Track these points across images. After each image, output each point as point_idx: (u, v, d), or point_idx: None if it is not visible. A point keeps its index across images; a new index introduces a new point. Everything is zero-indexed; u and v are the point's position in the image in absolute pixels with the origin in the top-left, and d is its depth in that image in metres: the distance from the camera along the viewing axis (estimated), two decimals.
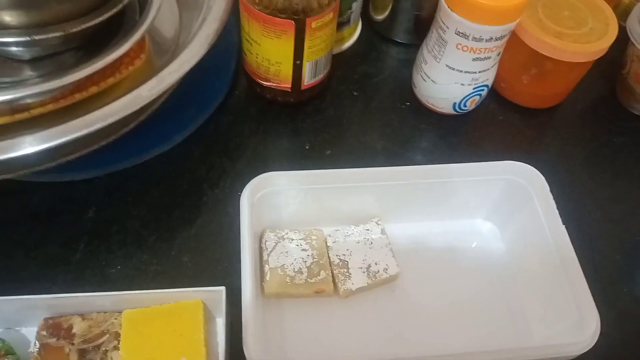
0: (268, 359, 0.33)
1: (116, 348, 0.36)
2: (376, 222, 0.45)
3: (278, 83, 0.48)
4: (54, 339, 0.36)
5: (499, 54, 0.48)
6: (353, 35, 0.58)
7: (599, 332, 0.35)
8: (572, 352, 0.35)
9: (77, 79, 0.40)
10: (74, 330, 0.36)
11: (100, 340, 0.36)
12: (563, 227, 0.39)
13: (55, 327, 0.37)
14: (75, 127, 0.37)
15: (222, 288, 0.36)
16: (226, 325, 0.36)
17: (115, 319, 0.37)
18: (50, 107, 0.41)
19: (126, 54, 0.45)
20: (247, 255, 0.36)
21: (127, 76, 0.45)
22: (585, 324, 0.35)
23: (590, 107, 0.57)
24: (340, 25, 0.55)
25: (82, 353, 0.36)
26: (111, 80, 0.44)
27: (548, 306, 0.39)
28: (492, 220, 0.46)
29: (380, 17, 0.59)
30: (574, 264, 0.38)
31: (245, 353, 0.33)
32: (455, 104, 0.51)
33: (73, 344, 0.36)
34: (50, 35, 0.39)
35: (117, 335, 0.36)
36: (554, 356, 0.35)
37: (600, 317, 0.36)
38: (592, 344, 0.35)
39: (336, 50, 0.57)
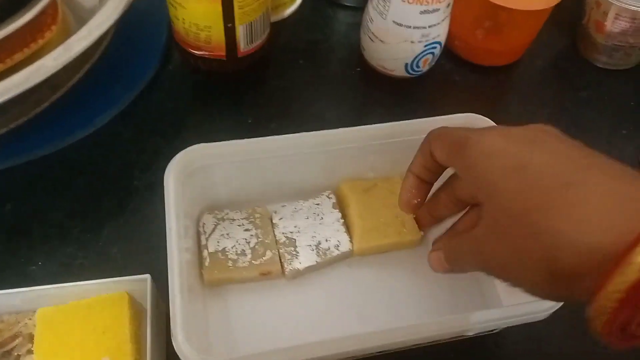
0: (205, 353, 0.29)
1: (30, 352, 0.31)
2: (327, 196, 0.41)
3: (211, 51, 0.44)
4: None
5: (448, 5, 0.44)
6: (295, 1, 0.54)
7: None
8: (541, 311, 0.31)
9: None
10: None
11: (12, 345, 0.31)
12: None
13: None
14: None
15: (147, 276, 0.32)
16: (152, 319, 0.32)
17: (30, 319, 0.32)
18: None
19: (35, 27, 0.40)
20: (173, 239, 0.32)
21: (37, 51, 0.40)
22: None
23: (550, 63, 0.54)
24: None
25: None
26: (18, 55, 0.39)
27: None
28: None
29: None
30: None
31: (175, 348, 0.29)
32: (407, 64, 0.47)
33: None
34: None
35: (31, 338, 0.32)
36: (524, 318, 0.32)
37: None
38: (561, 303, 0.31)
39: (278, 17, 0.53)
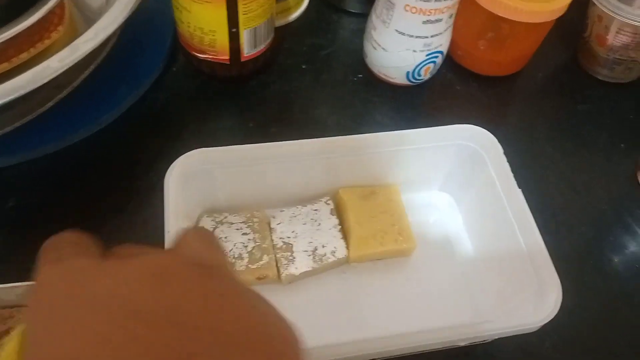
0: None
1: None
2: (325, 202, 0.41)
3: (215, 55, 0.44)
4: None
5: (451, 16, 0.45)
6: (301, 5, 0.54)
7: (560, 302, 0.32)
8: (532, 324, 0.32)
9: None
10: None
11: (4, 340, 0.32)
12: (519, 190, 0.36)
13: None
14: None
15: None
16: None
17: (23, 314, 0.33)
18: None
19: (42, 26, 0.41)
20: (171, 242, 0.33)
21: (44, 50, 0.41)
22: (545, 293, 0.32)
23: (551, 75, 0.54)
24: None
25: None
26: (24, 55, 0.39)
27: (507, 278, 0.36)
28: (448, 191, 0.43)
29: None
30: (531, 229, 0.35)
31: None
32: (408, 73, 0.48)
33: None
34: None
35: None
36: (514, 330, 0.32)
37: (565, 292, 0.33)
38: (554, 314, 0.32)
39: (282, 22, 0.53)
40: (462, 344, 0.34)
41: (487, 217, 0.39)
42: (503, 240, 0.37)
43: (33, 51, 0.40)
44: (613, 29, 0.49)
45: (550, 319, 0.32)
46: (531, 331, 0.33)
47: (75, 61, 0.35)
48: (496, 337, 0.35)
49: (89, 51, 0.36)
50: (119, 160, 0.44)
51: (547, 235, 0.36)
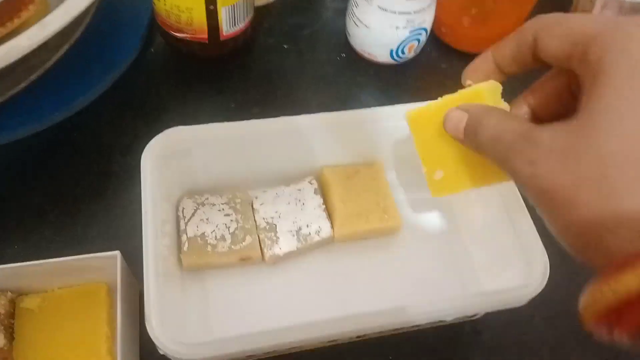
0: (180, 338, 0.29)
1: None
2: (309, 182, 0.40)
3: (192, 33, 0.43)
4: None
5: None
6: None
7: (547, 275, 0.32)
8: (520, 297, 0.31)
9: None
10: None
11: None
12: None
13: None
14: None
15: (117, 252, 0.32)
16: (122, 294, 0.31)
17: None
18: None
19: (11, 5, 0.39)
20: (149, 224, 0.32)
21: (14, 30, 0.39)
22: (533, 267, 0.32)
23: None
24: None
25: None
26: None
27: (495, 254, 0.36)
28: None
29: None
30: (519, 204, 0.35)
31: (148, 332, 0.29)
32: (392, 50, 0.47)
33: None
34: None
35: None
36: (502, 304, 0.32)
37: (552, 266, 0.33)
38: (541, 288, 0.31)
39: (263, 1, 0.52)
40: (450, 319, 0.34)
41: (474, 193, 0.38)
42: (490, 216, 0.37)
43: (3, 30, 0.38)
44: (598, 4, 0.48)
45: (537, 292, 0.32)
46: (519, 305, 0.32)
47: (46, 39, 0.34)
48: (484, 313, 0.34)
49: (60, 29, 0.35)
50: (95, 143, 0.43)
51: (534, 209, 0.35)
